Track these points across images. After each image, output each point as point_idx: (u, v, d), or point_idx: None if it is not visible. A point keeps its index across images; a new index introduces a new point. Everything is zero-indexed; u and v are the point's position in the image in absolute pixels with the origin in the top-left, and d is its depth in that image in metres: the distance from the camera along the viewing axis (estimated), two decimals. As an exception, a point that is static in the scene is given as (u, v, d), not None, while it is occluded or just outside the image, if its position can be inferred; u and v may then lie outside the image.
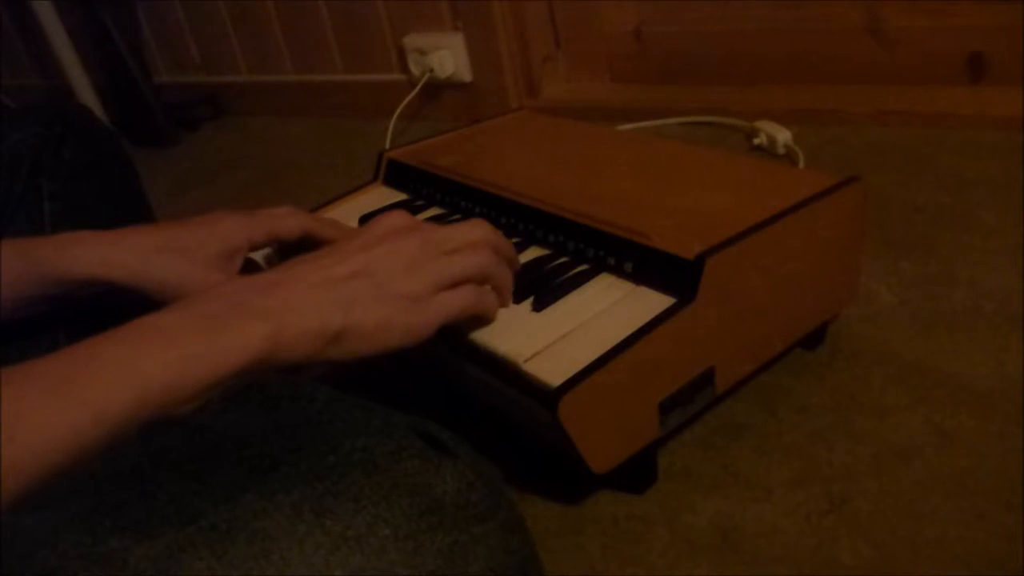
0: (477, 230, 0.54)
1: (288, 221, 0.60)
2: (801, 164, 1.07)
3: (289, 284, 0.45)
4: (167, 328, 0.39)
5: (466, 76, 1.46)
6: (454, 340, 0.60)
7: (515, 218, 0.70)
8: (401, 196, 0.82)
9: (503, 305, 0.58)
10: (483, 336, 0.58)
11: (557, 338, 0.56)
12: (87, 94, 1.83)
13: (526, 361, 0.54)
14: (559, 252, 0.65)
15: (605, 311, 0.58)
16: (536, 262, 0.65)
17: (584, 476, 0.56)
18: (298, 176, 1.46)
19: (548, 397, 0.51)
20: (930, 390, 0.66)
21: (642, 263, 0.60)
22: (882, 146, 1.09)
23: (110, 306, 0.54)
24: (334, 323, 0.44)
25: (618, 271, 0.61)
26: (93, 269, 0.53)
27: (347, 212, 0.80)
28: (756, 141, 1.15)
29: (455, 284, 0.51)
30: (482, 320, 0.57)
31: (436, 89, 1.52)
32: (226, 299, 0.43)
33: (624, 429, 0.56)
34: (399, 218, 0.52)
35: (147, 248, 0.55)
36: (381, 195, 0.84)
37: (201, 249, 0.55)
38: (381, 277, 0.48)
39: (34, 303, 0.54)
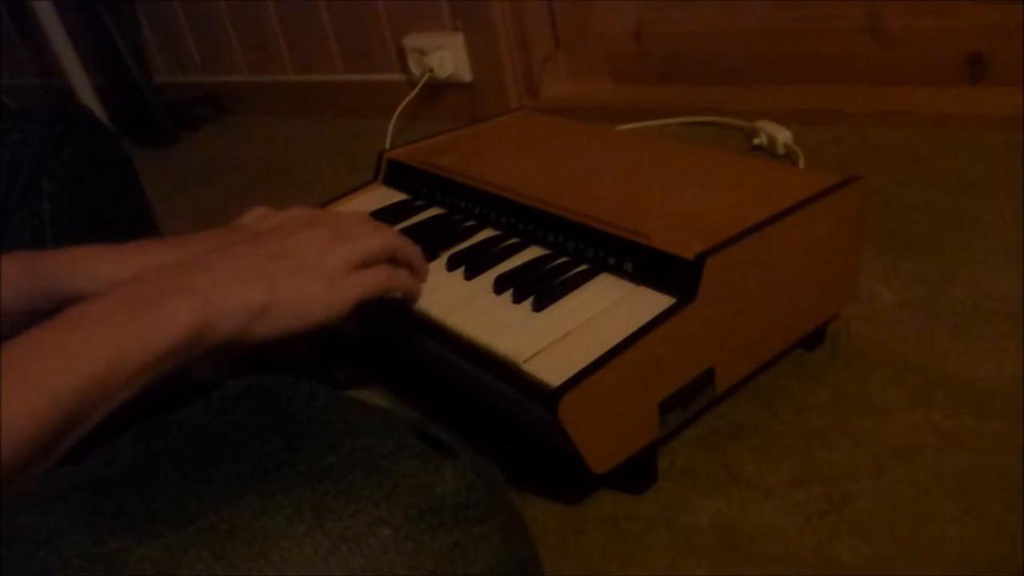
0: (372, 224, 0.59)
1: None
2: (801, 164, 1.07)
3: (214, 264, 0.49)
4: (100, 313, 0.42)
5: (466, 76, 1.46)
6: (453, 339, 0.60)
7: (515, 218, 0.70)
8: (401, 196, 0.82)
9: (421, 279, 0.64)
10: (483, 336, 0.58)
11: (557, 338, 0.56)
12: (87, 94, 1.83)
13: (526, 361, 0.54)
14: (559, 252, 0.65)
15: (605, 311, 0.58)
16: (536, 262, 0.65)
17: (584, 476, 0.56)
18: (298, 176, 1.46)
19: (548, 397, 0.51)
20: (930, 390, 0.66)
21: (642, 263, 0.60)
22: (882, 146, 1.09)
23: None
24: (259, 298, 0.48)
25: (618, 271, 0.61)
26: (100, 289, 0.53)
27: (347, 212, 0.80)
28: (756, 141, 1.15)
29: (366, 263, 0.56)
30: (406, 296, 0.63)
31: (436, 89, 1.52)
32: (153, 281, 0.46)
33: (624, 429, 0.56)
34: (306, 211, 0.58)
35: None
36: (381, 195, 0.84)
37: None
38: (300, 258, 0.52)
39: (37, 317, 0.54)
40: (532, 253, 0.67)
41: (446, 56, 1.45)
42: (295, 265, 0.51)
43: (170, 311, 0.44)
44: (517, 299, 0.60)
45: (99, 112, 1.79)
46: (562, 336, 0.56)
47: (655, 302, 0.57)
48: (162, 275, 0.47)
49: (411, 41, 1.50)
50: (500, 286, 0.62)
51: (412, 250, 0.62)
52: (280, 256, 0.51)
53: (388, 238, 0.59)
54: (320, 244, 0.54)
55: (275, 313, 0.49)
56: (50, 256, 0.54)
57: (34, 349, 0.39)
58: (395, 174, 0.85)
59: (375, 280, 0.56)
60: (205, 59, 1.88)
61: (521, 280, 0.62)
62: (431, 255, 0.68)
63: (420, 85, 1.49)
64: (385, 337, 0.79)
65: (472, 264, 0.66)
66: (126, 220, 0.75)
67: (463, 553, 0.35)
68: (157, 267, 0.48)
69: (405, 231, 0.71)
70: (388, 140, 1.46)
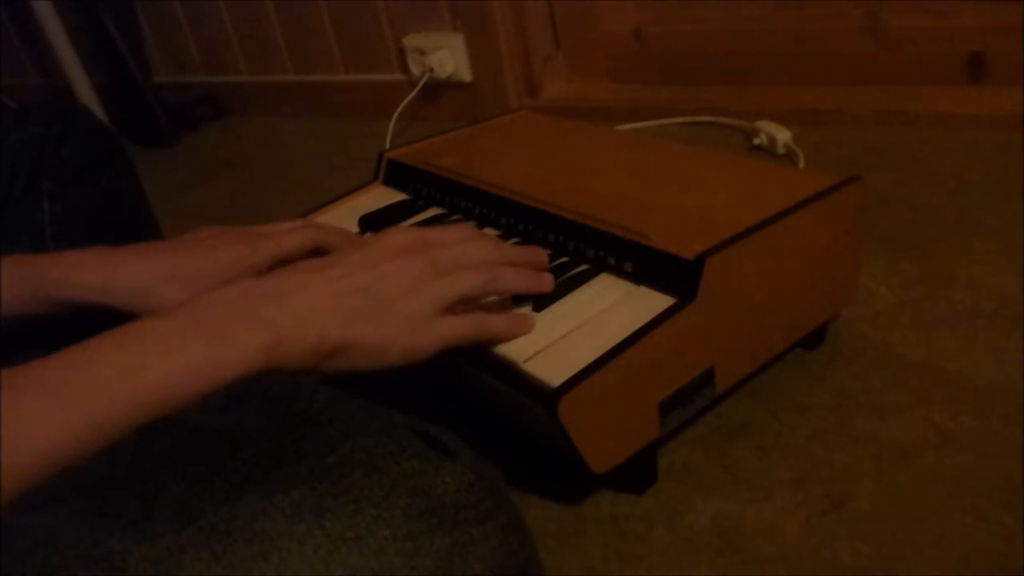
0: (482, 250, 0.54)
1: (292, 240, 0.59)
2: (801, 164, 1.07)
3: (293, 293, 0.45)
4: (167, 335, 0.39)
5: (466, 76, 1.46)
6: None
7: (515, 218, 0.70)
8: (401, 196, 0.82)
9: (544, 290, 0.57)
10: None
11: (557, 338, 0.56)
12: (87, 94, 1.83)
13: (526, 361, 0.54)
14: (559, 252, 0.65)
15: (605, 311, 0.58)
16: (536, 262, 0.64)
17: (584, 476, 0.56)
18: (298, 176, 1.46)
19: (548, 397, 0.51)
20: (930, 390, 0.66)
21: (642, 263, 0.60)
22: (882, 146, 1.09)
23: (110, 324, 0.54)
24: (334, 337, 0.45)
25: (618, 271, 0.61)
26: (95, 296, 0.53)
27: (347, 212, 0.80)
28: (756, 141, 1.15)
29: (457, 303, 0.51)
30: (491, 342, 0.56)
31: (436, 89, 1.52)
32: (228, 306, 0.43)
33: (624, 429, 0.56)
34: (406, 235, 0.52)
35: (150, 276, 0.54)
36: (381, 195, 0.84)
37: (204, 278, 0.54)
38: (385, 295, 0.48)
39: (32, 322, 0.54)
40: (532, 253, 0.67)
41: (446, 56, 1.45)
42: (379, 303, 0.47)
43: (239, 343, 0.41)
44: (516, 300, 0.60)
45: (99, 112, 1.79)
46: (562, 336, 0.56)
47: (655, 302, 0.57)
48: (234, 299, 0.44)
49: (411, 41, 1.50)
50: (500, 286, 0.62)
51: (513, 283, 0.55)
52: (365, 290, 0.47)
53: (485, 279, 0.52)
54: (412, 279, 0.49)
55: (349, 354, 0.46)
56: (42, 261, 0.54)
57: (93, 364, 0.36)
58: (395, 174, 0.85)
59: (463, 331, 0.51)
60: (205, 59, 1.88)
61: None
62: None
63: (420, 85, 1.49)
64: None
65: (472, 264, 0.65)
66: (126, 220, 0.75)
67: (463, 553, 0.35)
68: (234, 286, 0.45)
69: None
70: (388, 140, 1.46)
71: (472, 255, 0.53)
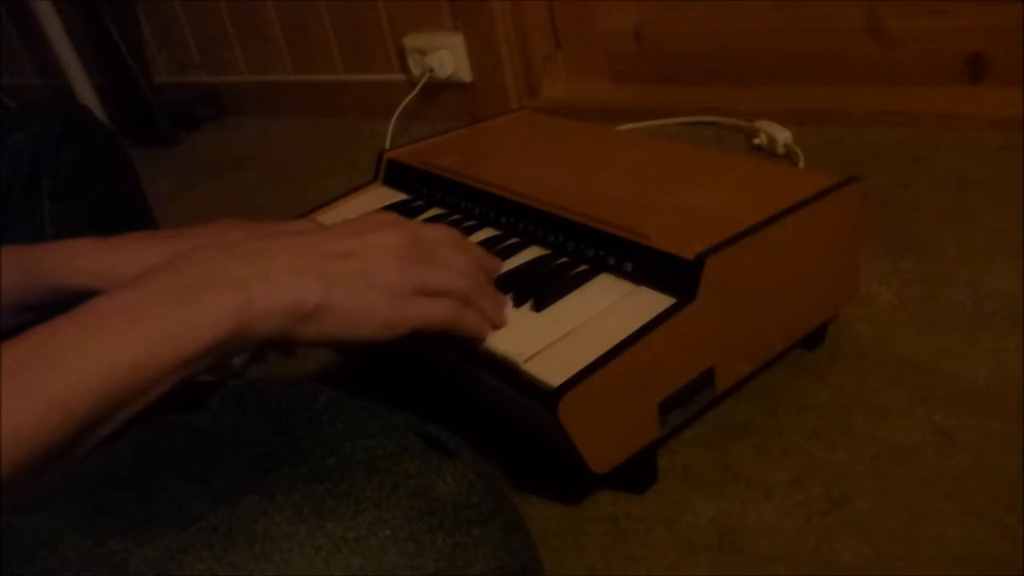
0: (459, 260, 0.53)
1: (295, 227, 0.59)
2: (801, 164, 1.07)
3: (271, 252, 0.44)
4: (131, 306, 0.39)
5: (466, 76, 1.46)
6: (454, 342, 0.60)
7: (515, 218, 0.70)
8: (401, 196, 0.82)
9: (496, 326, 0.57)
10: (483, 336, 0.58)
11: (557, 338, 0.56)
12: (87, 94, 1.83)
13: (526, 361, 0.54)
14: (559, 252, 0.65)
15: (605, 311, 0.58)
16: (536, 262, 0.65)
17: (584, 476, 0.56)
18: (298, 176, 1.46)
19: (548, 397, 0.51)
20: (930, 390, 0.66)
21: (642, 263, 0.60)
22: (882, 146, 1.09)
23: None
24: (312, 299, 0.44)
25: (618, 271, 0.61)
26: (90, 282, 0.53)
27: (347, 212, 0.80)
28: (756, 141, 1.15)
29: (436, 293, 0.51)
30: (468, 338, 0.56)
31: (436, 89, 1.52)
32: (197, 267, 0.42)
33: (624, 429, 0.56)
34: (391, 215, 0.53)
35: (146, 262, 0.54)
36: (381, 195, 0.84)
37: None
38: (367, 263, 0.47)
39: (30, 311, 0.54)
40: (532, 253, 0.67)
41: (446, 56, 1.45)
42: (361, 270, 0.46)
43: (207, 306, 0.39)
44: (518, 303, 0.60)
45: (99, 112, 1.79)
46: (562, 336, 0.56)
47: (655, 302, 0.57)
48: (204, 261, 0.42)
49: (411, 41, 1.50)
50: (500, 287, 0.62)
51: (486, 304, 0.56)
52: (348, 255, 0.46)
53: (468, 284, 0.52)
54: (394, 251, 0.48)
55: (326, 319, 0.44)
56: (38, 250, 0.54)
57: (54, 347, 0.36)
58: (395, 174, 0.85)
59: (441, 314, 0.50)
60: (205, 59, 1.88)
61: (521, 280, 0.62)
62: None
63: (420, 85, 1.49)
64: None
65: (472, 264, 0.66)
66: (126, 220, 0.75)
67: (464, 554, 0.35)
68: (199, 249, 0.43)
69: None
70: (388, 140, 1.46)
71: (451, 259, 0.52)
